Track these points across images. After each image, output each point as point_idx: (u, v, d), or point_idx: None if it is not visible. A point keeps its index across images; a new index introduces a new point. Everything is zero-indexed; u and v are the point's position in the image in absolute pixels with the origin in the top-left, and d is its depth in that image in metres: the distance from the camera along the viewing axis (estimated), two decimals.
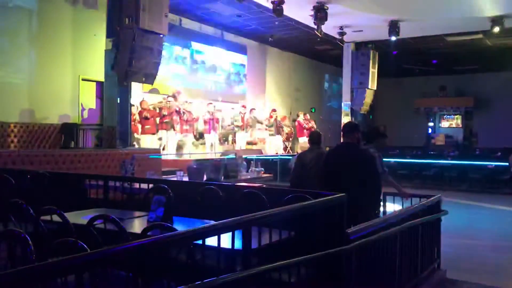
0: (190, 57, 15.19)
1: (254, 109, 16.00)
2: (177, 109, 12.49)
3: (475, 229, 8.29)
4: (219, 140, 14.44)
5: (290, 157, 11.72)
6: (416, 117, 24.40)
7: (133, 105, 11.15)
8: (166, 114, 12.25)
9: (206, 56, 15.73)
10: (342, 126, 5.62)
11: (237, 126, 14.89)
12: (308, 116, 17.13)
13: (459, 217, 8.47)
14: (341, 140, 5.13)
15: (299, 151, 12.34)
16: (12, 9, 10.04)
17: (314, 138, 5.96)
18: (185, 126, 12.78)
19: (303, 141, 15.87)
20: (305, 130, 16.20)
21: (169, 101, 12.61)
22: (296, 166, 5.91)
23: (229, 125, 14.96)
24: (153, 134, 11.98)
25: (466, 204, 11.05)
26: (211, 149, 13.51)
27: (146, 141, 11.69)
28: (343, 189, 3.43)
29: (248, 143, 15.37)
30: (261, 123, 16.03)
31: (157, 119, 12.18)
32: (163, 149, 12.02)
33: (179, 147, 12.80)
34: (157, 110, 12.35)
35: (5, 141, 9.45)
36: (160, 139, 12.18)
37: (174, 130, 12.43)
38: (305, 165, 5.75)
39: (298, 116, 17.12)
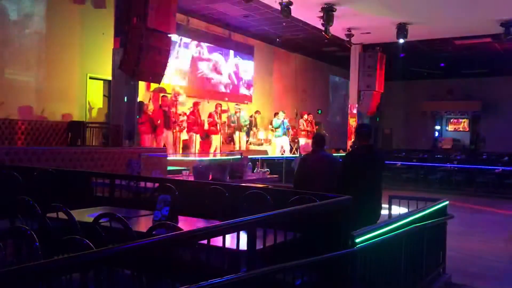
0: (197, 57, 15.20)
1: (259, 110, 15.97)
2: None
3: (481, 233, 8.23)
4: (225, 140, 14.44)
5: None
6: (423, 120, 24.31)
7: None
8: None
9: (213, 56, 15.75)
10: (355, 128, 5.75)
11: (243, 127, 14.88)
12: (312, 116, 17.07)
13: (465, 221, 8.42)
14: (353, 142, 5.36)
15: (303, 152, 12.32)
16: (21, 7, 10.10)
17: (318, 140, 5.94)
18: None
19: (304, 143, 15.88)
20: (302, 132, 16.19)
21: (175, 101, 12.61)
22: (300, 168, 5.89)
23: (235, 126, 14.95)
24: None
25: (472, 208, 10.99)
26: (216, 149, 13.50)
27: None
28: (363, 190, 3.46)
29: (254, 143, 15.35)
30: (268, 123, 16.00)
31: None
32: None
33: (185, 147, 12.81)
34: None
35: (12, 138, 9.50)
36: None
37: (179, 130, 12.43)
38: (308, 167, 5.74)
39: (301, 117, 17.08)
